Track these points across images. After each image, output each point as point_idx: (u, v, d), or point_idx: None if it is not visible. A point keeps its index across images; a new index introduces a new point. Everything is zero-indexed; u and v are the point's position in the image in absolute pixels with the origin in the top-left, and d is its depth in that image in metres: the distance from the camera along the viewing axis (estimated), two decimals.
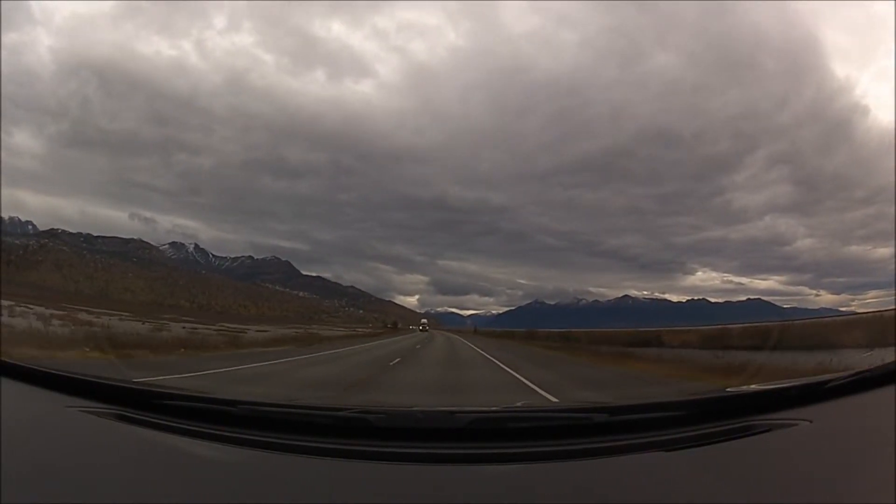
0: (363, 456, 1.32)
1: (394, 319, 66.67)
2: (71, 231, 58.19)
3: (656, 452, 1.33)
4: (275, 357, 14.36)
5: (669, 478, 1.23)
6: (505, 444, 1.41)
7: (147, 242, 64.36)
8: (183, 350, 14.03)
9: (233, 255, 71.99)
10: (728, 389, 1.87)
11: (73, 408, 1.64)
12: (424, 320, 66.69)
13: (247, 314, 54.66)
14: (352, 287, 71.49)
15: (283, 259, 72.08)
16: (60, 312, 24.61)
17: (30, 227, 59.08)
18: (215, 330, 26.70)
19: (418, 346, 23.03)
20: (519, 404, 3.34)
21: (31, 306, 23.88)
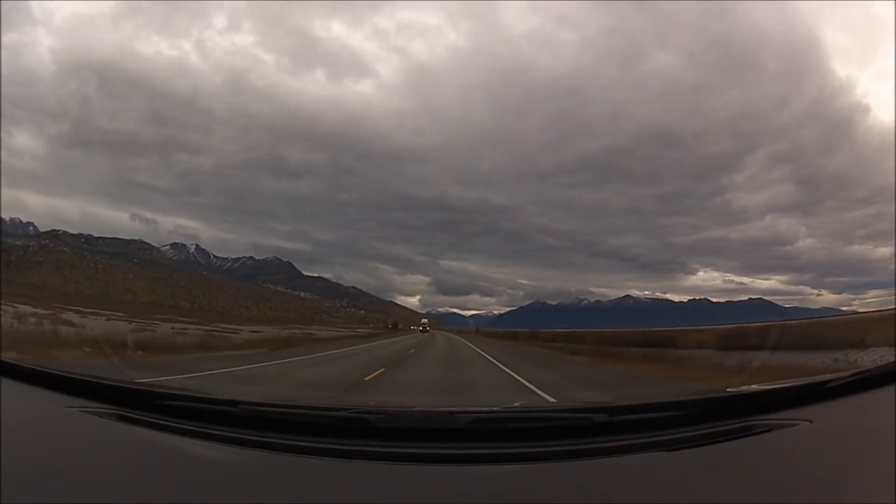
0: (363, 456, 1.32)
1: (394, 320, 66.78)
2: (72, 232, 58.47)
3: (657, 452, 1.33)
4: (236, 363, 12.04)
5: (670, 478, 1.23)
6: (505, 444, 1.41)
7: (148, 243, 64.64)
8: (140, 352, 12.97)
9: (234, 256, 72.29)
10: (728, 389, 1.87)
11: (73, 408, 1.64)
12: (425, 320, 66.71)
13: (248, 315, 54.76)
14: (353, 287, 71.69)
15: (285, 260, 72.38)
16: (45, 312, 24.38)
17: (31, 228, 59.34)
18: (205, 331, 26.29)
19: (412, 351, 20.57)
20: (517, 404, 3.34)
21: (16, 305, 23.79)
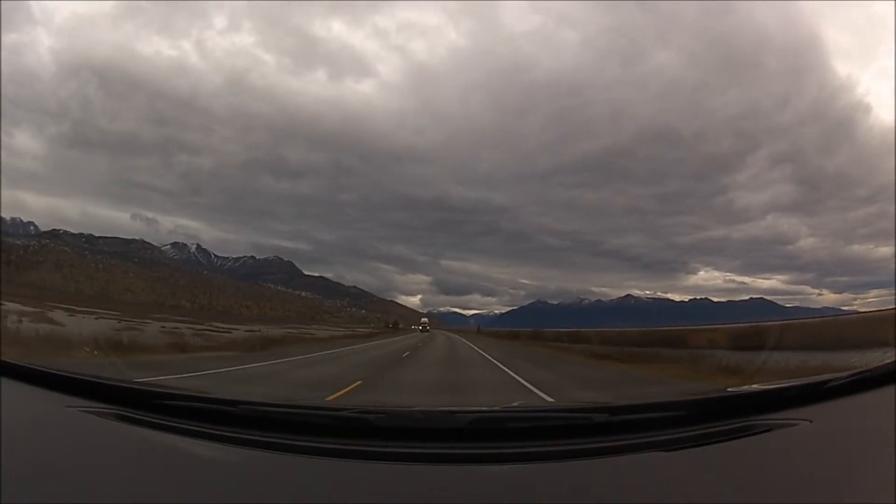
0: (363, 456, 1.32)
1: (394, 319, 66.74)
2: (73, 232, 58.49)
3: (656, 452, 1.33)
4: (198, 367, 10.52)
5: (669, 478, 1.23)
6: (505, 444, 1.41)
7: (149, 243, 64.72)
8: (93, 351, 11.87)
9: (235, 256, 72.37)
10: (728, 389, 1.87)
11: (73, 408, 1.64)
12: (425, 319, 66.69)
13: (248, 314, 54.78)
14: (354, 287, 71.75)
15: (286, 259, 72.45)
16: (31, 310, 24.18)
17: (31, 227, 59.40)
18: (195, 330, 25.83)
19: (406, 354, 18.20)
20: (516, 404, 3.33)
21: (5, 303, 23.57)
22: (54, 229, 57.42)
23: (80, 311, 30.59)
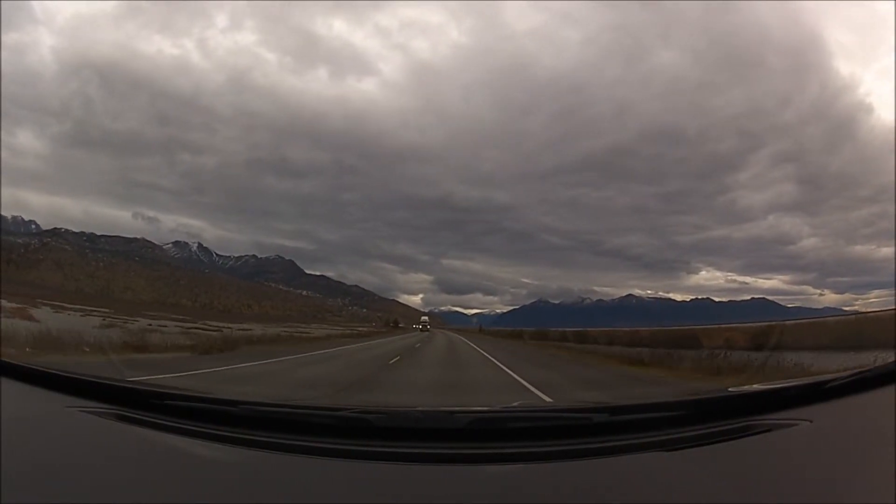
0: (363, 456, 1.32)
1: (395, 318, 66.68)
2: (74, 230, 58.41)
3: (656, 452, 1.33)
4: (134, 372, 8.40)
5: (669, 478, 1.23)
6: (505, 444, 1.41)
7: (150, 242, 64.65)
8: (29, 350, 10.70)
9: (237, 255, 72.21)
10: (728, 389, 1.87)
11: (73, 408, 1.64)
12: (425, 318, 66.56)
13: (249, 313, 54.77)
14: (356, 286, 71.62)
15: (287, 258, 72.32)
16: (12, 306, 23.68)
17: (33, 226, 59.38)
18: (184, 329, 25.34)
19: (396, 360, 14.97)
20: (517, 404, 3.33)
21: None
22: (56, 228, 57.43)
23: (70, 309, 30.42)
